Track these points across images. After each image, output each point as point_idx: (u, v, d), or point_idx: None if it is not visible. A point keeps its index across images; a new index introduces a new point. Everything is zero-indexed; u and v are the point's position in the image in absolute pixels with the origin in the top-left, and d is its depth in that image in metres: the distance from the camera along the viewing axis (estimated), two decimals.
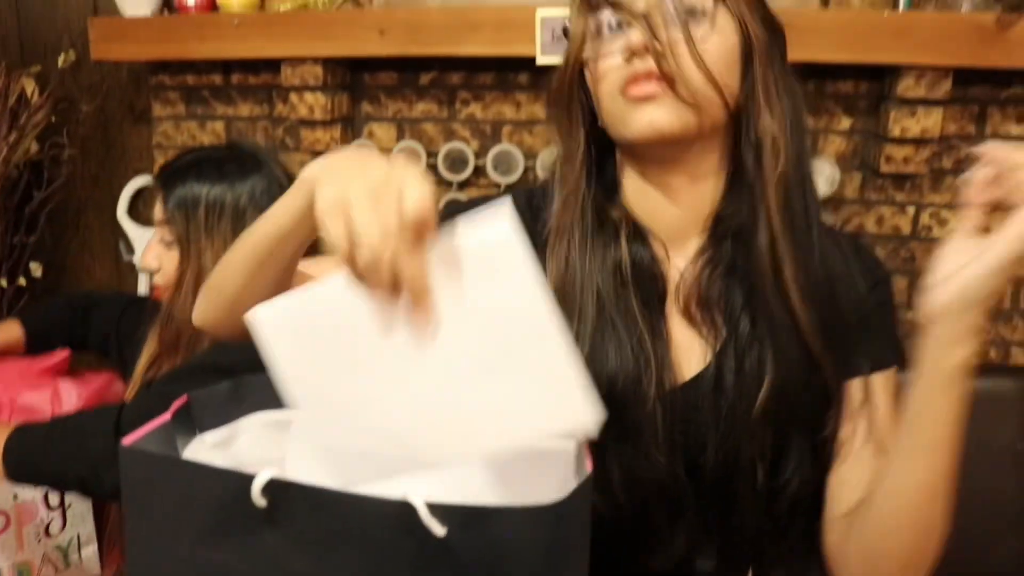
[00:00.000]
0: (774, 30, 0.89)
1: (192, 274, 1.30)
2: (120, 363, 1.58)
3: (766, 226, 0.85)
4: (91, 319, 1.64)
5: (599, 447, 0.85)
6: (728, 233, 0.89)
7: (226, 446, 0.79)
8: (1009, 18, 1.63)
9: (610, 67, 0.85)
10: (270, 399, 0.80)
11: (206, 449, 0.76)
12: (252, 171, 1.35)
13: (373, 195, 0.59)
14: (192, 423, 0.77)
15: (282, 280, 0.82)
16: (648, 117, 0.83)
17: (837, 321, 0.87)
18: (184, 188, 1.32)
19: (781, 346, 0.85)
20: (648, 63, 0.82)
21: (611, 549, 0.88)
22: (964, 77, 1.79)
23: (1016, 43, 1.65)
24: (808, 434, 0.87)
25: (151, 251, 1.36)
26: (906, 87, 1.74)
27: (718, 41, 0.83)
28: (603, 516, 0.86)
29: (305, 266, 0.87)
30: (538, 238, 0.90)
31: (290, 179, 1.36)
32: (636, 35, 0.82)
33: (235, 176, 1.34)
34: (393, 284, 0.59)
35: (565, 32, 1.71)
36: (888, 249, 1.94)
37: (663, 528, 0.91)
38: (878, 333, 0.91)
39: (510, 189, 1.96)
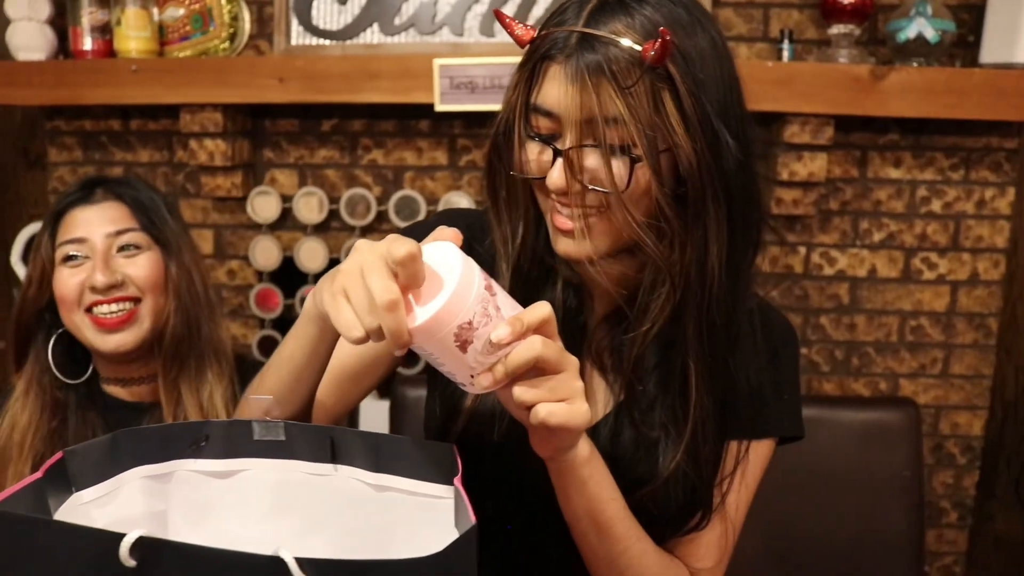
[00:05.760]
0: (722, 166, 0.81)
1: (183, 273, 1.28)
2: None
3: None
4: None
5: (502, 464, 0.89)
6: (644, 303, 0.89)
7: (105, 503, 0.77)
8: (881, 70, 1.74)
9: (538, 184, 0.85)
10: (149, 452, 0.80)
11: (82, 507, 0.75)
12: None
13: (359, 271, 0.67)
14: (68, 481, 0.75)
15: (315, 386, 0.88)
16: (564, 247, 0.85)
17: (731, 392, 0.91)
18: (140, 193, 1.31)
19: (676, 415, 0.89)
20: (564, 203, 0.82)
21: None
22: (846, 124, 1.89)
23: (889, 93, 1.75)
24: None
25: (106, 265, 1.24)
26: (792, 133, 1.82)
27: (632, 193, 0.80)
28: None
29: None
30: (484, 257, 0.91)
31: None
32: (556, 175, 0.80)
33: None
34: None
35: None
36: (782, 288, 2.01)
37: (556, 553, 0.94)
38: (769, 402, 0.94)
39: None
